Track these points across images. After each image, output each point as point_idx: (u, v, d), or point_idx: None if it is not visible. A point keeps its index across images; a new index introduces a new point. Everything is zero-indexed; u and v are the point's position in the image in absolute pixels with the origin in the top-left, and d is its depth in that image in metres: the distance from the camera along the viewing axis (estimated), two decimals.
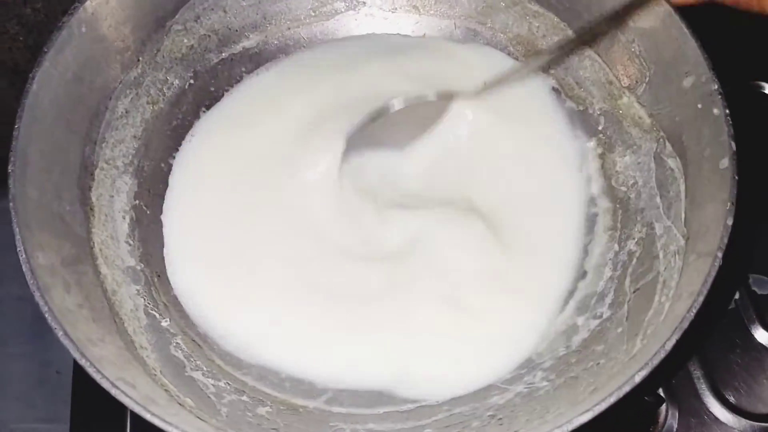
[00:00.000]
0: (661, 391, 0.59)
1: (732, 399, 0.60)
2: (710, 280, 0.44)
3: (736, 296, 0.64)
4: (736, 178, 0.47)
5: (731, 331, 0.63)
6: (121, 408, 0.59)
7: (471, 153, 0.62)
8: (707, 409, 0.60)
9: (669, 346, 0.42)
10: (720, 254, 0.45)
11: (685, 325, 0.43)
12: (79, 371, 0.63)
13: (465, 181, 0.61)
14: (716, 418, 0.59)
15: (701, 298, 0.44)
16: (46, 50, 0.52)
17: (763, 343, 0.63)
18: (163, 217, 0.59)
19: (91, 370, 0.42)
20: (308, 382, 0.53)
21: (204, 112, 0.63)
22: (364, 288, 0.56)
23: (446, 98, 0.60)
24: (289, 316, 0.55)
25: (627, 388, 0.41)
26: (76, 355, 0.42)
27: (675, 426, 0.59)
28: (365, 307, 0.55)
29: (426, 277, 0.56)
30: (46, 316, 0.43)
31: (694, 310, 0.43)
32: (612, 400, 0.41)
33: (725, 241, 0.45)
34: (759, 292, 0.65)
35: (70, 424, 0.61)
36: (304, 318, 0.55)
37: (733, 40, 0.66)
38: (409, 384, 0.52)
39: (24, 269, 0.45)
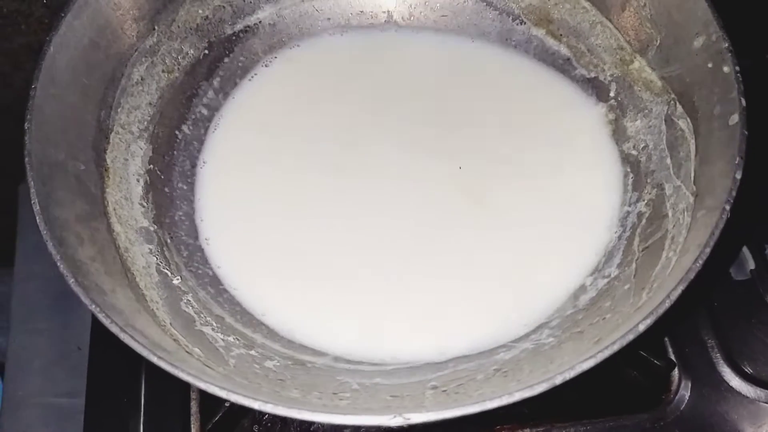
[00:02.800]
0: (672, 356, 0.58)
1: (748, 369, 0.59)
2: (718, 232, 0.44)
3: (752, 266, 0.63)
4: (746, 133, 0.47)
5: (747, 302, 0.62)
6: (136, 382, 0.61)
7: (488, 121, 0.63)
8: (722, 378, 0.58)
9: (674, 296, 0.42)
10: (728, 207, 0.44)
11: (691, 276, 0.42)
12: (95, 345, 0.65)
13: (483, 145, 0.61)
14: (731, 388, 0.58)
15: (708, 250, 0.43)
16: (63, 15, 0.53)
17: None
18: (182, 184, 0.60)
19: (101, 316, 0.43)
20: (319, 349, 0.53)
21: (218, 82, 0.64)
22: (376, 259, 0.56)
23: None
24: (304, 285, 0.56)
25: (631, 337, 0.41)
26: (86, 301, 0.43)
27: (687, 395, 0.58)
28: (379, 278, 0.56)
29: (440, 246, 0.56)
30: (58, 264, 0.44)
31: (701, 261, 0.43)
32: (615, 347, 0.41)
33: (733, 194, 0.45)
34: None
35: (86, 397, 0.62)
36: (316, 288, 0.56)
37: (751, 13, 0.66)
38: (418, 349, 0.53)
39: (38, 220, 0.46)
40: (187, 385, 0.58)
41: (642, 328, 0.41)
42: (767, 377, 0.59)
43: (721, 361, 0.59)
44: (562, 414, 0.57)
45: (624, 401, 0.58)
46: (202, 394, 0.57)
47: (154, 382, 0.61)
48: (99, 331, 0.65)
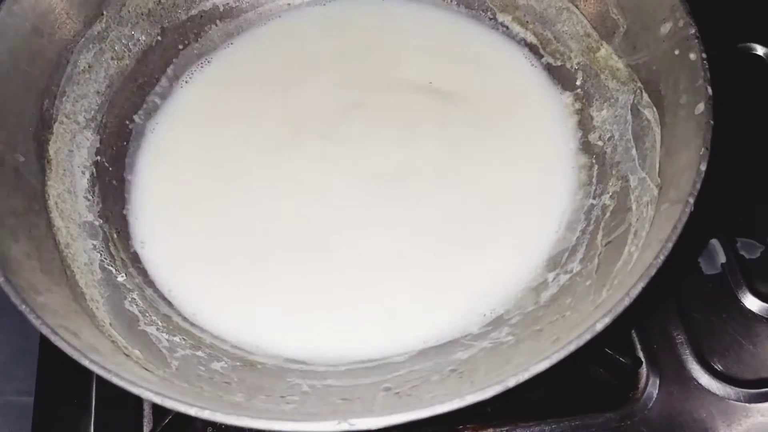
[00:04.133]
0: (640, 353, 0.57)
1: (718, 366, 0.58)
2: (680, 226, 0.42)
3: (723, 260, 0.61)
4: (711, 123, 0.45)
5: (716, 297, 0.60)
6: (87, 382, 0.58)
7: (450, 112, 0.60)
8: (691, 376, 0.57)
9: (634, 293, 0.40)
10: (691, 200, 0.42)
11: (652, 272, 0.41)
12: (45, 344, 0.63)
13: (443, 134, 0.59)
14: (700, 385, 0.57)
15: (670, 245, 0.41)
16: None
17: (753, 310, 0.60)
18: (130, 176, 0.57)
19: (30, 316, 0.41)
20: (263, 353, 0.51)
21: (172, 69, 0.62)
22: (324, 251, 0.54)
23: None
24: (254, 288, 0.54)
25: (588, 336, 0.39)
26: (16, 301, 0.41)
27: (655, 393, 0.56)
28: (328, 278, 0.54)
29: (391, 238, 0.54)
30: None
31: (662, 257, 0.41)
32: (572, 348, 0.39)
33: (698, 186, 0.43)
34: (747, 256, 0.62)
35: (35, 396, 0.60)
36: (266, 290, 0.54)
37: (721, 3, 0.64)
38: (374, 344, 0.51)
39: None
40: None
41: (599, 327, 0.39)
42: (737, 374, 0.57)
43: (690, 358, 0.58)
44: (526, 413, 0.56)
45: (591, 399, 0.57)
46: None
47: (105, 381, 0.59)
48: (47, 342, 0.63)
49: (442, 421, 0.53)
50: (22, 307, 0.41)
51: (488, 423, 0.55)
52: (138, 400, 0.56)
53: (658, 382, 0.57)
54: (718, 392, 0.56)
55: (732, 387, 0.56)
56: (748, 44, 0.71)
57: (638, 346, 0.58)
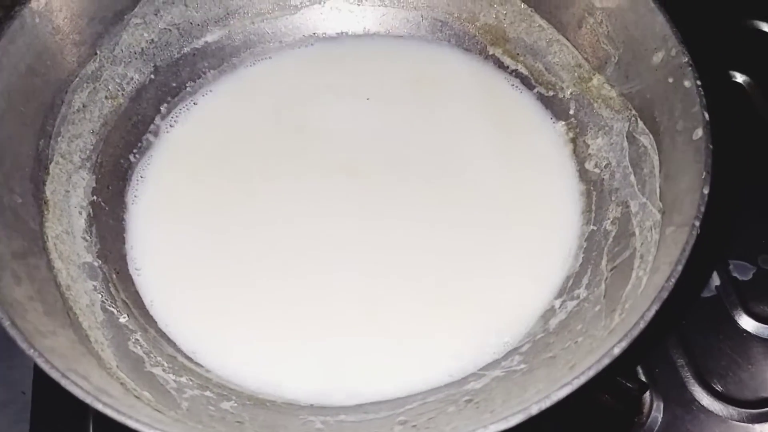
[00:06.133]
0: (643, 377, 0.57)
1: (718, 387, 0.58)
2: (689, 248, 0.42)
3: (717, 283, 0.62)
4: (711, 147, 0.46)
5: (713, 319, 0.61)
6: (84, 428, 0.57)
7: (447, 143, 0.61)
8: (693, 398, 0.57)
9: (648, 317, 0.40)
10: (697, 223, 0.43)
11: (664, 295, 0.41)
12: (39, 390, 0.61)
13: (442, 168, 0.60)
14: (703, 407, 0.57)
15: (680, 267, 0.42)
16: None
17: (749, 330, 0.61)
18: (127, 215, 0.57)
19: (39, 360, 0.39)
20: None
21: (166, 108, 0.62)
22: (329, 293, 0.54)
23: None
24: (258, 329, 0.53)
25: (606, 361, 0.39)
26: (24, 345, 0.40)
27: (660, 416, 0.57)
28: (333, 313, 0.53)
29: (395, 276, 0.54)
30: None
31: (673, 280, 0.41)
32: (591, 373, 0.39)
33: (702, 209, 0.44)
34: (740, 278, 0.63)
35: None
36: (270, 330, 0.53)
37: (706, 30, 0.66)
38: (384, 384, 0.50)
39: None
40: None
41: (617, 351, 0.40)
42: (738, 395, 0.58)
43: (692, 380, 0.58)
44: None
45: (595, 426, 0.56)
46: None
47: (102, 428, 0.57)
48: (42, 374, 0.61)
49: None
50: (30, 351, 0.40)
51: None
52: None
53: (662, 406, 0.57)
54: (720, 413, 0.57)
55: (734, 408, 0.57)
56: (732, 72, 0.74)
57: (641, 371, 0.58)
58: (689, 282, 0.61)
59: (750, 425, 0.56)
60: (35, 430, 0.59)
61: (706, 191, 0.44)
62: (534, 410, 0.38)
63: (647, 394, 0.57)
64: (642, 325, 0.40)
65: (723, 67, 0.74)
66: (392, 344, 0.51)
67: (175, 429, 0.38)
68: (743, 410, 0.57)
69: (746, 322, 0.61)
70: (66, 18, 0.55)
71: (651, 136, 0.52)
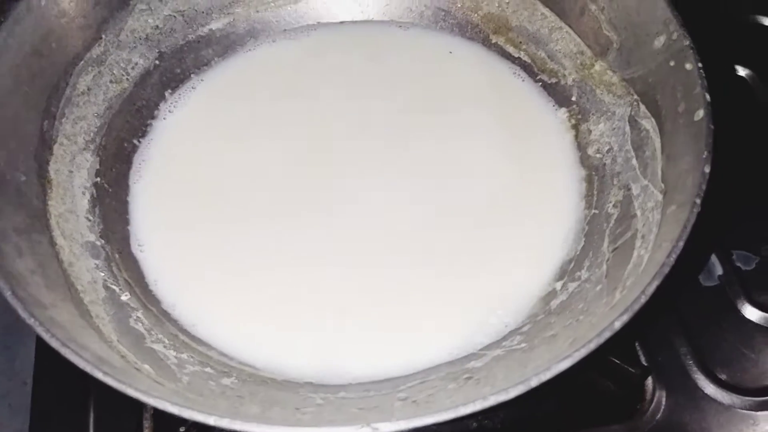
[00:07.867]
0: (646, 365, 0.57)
1: (722, 376, 0.58)
2: (689, 226, 0.42)
3: (720, 273, 0.62)
4: (712, 127, 0.46)
5: (717, 309, 0.61)
6: (84, 416, 0.57)
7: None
8: (697, 386, 0.57)
9: (649, 291, 0.40)
10: (698, 201, 0.43)
11: (666, 270, 0.41)
12: (39, 379, 0.61)
13: (445, 155, 0.60)
14: (706, 395, 0.57)
15: (681, 244, 0.42)
16: (3, 20, 0.51)
17: (752, 319, 0.60)
18: (130, 197, 0.57)
19: (39, 329, 0.39)
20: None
21: (170, 93, 0.62)
22: (332, 273, 0.54)
23: None
24: (260, 308, 0.53)
25: (607, 334, 0.39)
26: (24, 314, 0.40)
27: (663, 404, 0.56)
28: (335, 292, 0.53)
29: (401, 252, 0.54)
30: None
31: (674, 256, 0.41)
32: (592, 346, 0.39)
33: (703, 188, 0.44)
34: (744, 267, 0.63)
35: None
36: (272, 308, 0.53)
37: (710, 25, 0.66)
38: (386, 363, 0.50)
39: None
40: (139, 417, 0.54)
41: (618, 325, 0.39)
42: (742, 383, 0.58)
43: (695, 368, 0.58)
44: (535, 428, 0.55)
45: (598, 412, 0.56)
46: (155, 424, 0.53)
47: (103, 415, 0.57)
48: (43, 363, 0.61)
49: None
50: (31, 321, 0.40)
51: None
52: (138, 424, 0.54)
53: (664, 393, 0.57)
54: (724, 401, 0.56)
55: (738, 396, 0.57)
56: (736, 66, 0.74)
57: (642, 359, 0.58)
58: (693, 272, 0.61)
59: (753, 413, 0.56)
60: (36, 420, 0.59)
61: (707, 170, 0.44)
62: (534, 382, 0.38)
63: (650, 382, 0.57)
64: (643, 299, 0.40)
65: (727, 61, 0.74)
66: (394, 324, 0.51)
67: (177, 398, 0.38)
68: (746, 398, 0.56)
69: (749, 312, 0.61)
70: (72, 1, 0.56)
71: (653, 119, 0.52)
